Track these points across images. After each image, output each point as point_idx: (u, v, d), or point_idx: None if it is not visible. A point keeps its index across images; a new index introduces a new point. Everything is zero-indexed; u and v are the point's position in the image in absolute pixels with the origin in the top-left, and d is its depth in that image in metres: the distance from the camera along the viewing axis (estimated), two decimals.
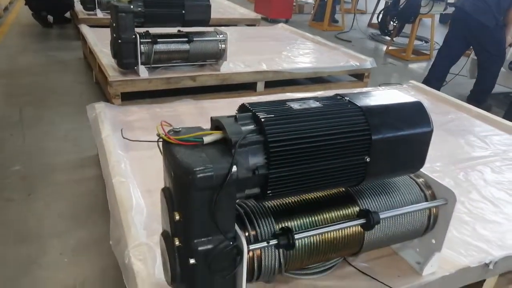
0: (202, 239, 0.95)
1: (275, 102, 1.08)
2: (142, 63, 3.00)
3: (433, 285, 1.37)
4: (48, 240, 1.81)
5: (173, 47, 3.08)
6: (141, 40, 2.93)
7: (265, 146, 0.96)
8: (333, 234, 1.16)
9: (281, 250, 1.09)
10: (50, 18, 5.68)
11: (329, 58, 4.04)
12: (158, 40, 2.99)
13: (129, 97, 3.10)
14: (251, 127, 0.99)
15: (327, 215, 1.18)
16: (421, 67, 5.58)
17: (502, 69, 3.99)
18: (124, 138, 1.41)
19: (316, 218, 1.17)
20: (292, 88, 3.73)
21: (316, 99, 1.12)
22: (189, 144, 0.98)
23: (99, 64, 3.37)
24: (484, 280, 1.52)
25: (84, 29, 4.10)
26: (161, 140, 1.05)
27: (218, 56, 3.30)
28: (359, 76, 4.12)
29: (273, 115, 0.99)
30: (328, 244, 1.16)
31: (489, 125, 2.69)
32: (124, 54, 2.92)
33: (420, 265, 1.38)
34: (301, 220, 1.15)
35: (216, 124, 1.03)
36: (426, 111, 1.14)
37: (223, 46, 3.26)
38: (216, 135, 1.00)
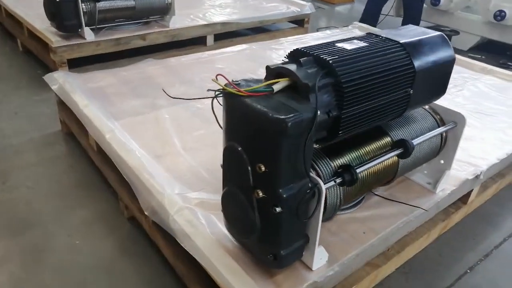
0: (287, 186, 0.97)
1: (324, 45, 1.09)
2: (86, 24, 2.72)
3: (445, 200, 1.55)
4: (49, 225, 1.67)
5: (117, 3, 2.82)
6: None
7: (337, 87, 0.98)
8: (378, 166, 1.25)
9: (340, 187, 1.16)
10: None
11: (269, 6, 4.02)
12: None
13: (75, 64, 2.82)
14: (317, 69, 0.99)
15: (368, 148, 1.26)
16: (346, 8, 5.82)
17: (425, 5, 4.32)
18: (173, 98, 1.33)
19: (360, 152, 1.24)
20: (240, 40, 3.68)
21: (356, 38, 1.15)
22: (259, 94, 0.97)
23: (28, 30, 2.98)
24: (471, 190, 1.76)
25: None
26: (219, 94, 1.02)
27: (165, 11, 3.11)
28: (299, 22, 4.18)
29: (337, 57, 1.00)
30: (374, 175, 1.25)
31: None
32: (65, 16, 2.61)
33: (431, 185, 1.55)
34: (349, 156, 1.21)
35: (277, 71, 1.02)
36: (448, 41, 1.24)
37: (169, 0, 3.06)
38: (283, 82, 0.99)
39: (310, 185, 1.01)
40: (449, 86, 2.41)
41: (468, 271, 1.63)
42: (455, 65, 2.72)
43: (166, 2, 3.05)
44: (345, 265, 1.23)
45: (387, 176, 1.32)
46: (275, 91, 0.98)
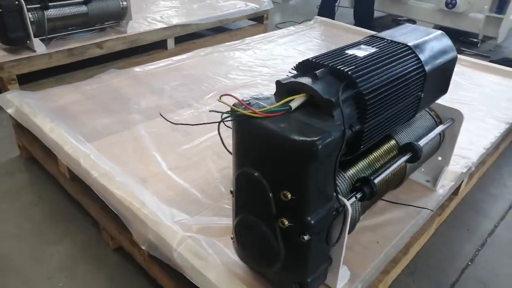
0: (315, 212, 0.89)
1: (333, 54, 1.01)
2: (35, 35, 2.47)
3: (445, 196, 1.54)
4: (25, 269, 1.48)
5: (68, 10, 2.59)
6: (28, 7, 2.38)
7: (358, 100, 0.91)
8: (390, 173, 1.20)
9: (359, 201, 1.09)
10: None
11: (227, 4, 3.89)
12: (50, 4, 2.47)
13: (25, 80, 2.56)
14: (335, 82, 0.91)
15: (376, 154, 1.20)
16: (300, 2, 5.80)
17: None
18: (175, 124, 1.17)
19: (369, 159, 1.18)
20: (202, 41, 3.54)
21: (362, 43, 1.08)
22: (277, 114, 0.87)
23: None
24: (462, 181, 1.77)
25: None
26: (227, 117, 0.92)
27: (121, 15, 2.90)
28: (258, 19, 4.10)
29: (353, 67, 0.93)
30: (386, 183, 1.20)
31: None
32: (10, 27, 2.35)
33: (431, 182, 1.53)
34: (360, 165, 1.15)
35: (290, 86, 0.93)
36: (449, 39, 1.20)
37: (124, 3, 2.86)
38: (300, 99, 0.90)
39: (336, 206, 0.93)
40: None
41: (469, 263, 1.64)
42: None
43: (121, 6, 2.85)
44: (366, 280, 1.18)
45: (396, 181, 1.28)
46: (293, 109, 0.89)
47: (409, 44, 1.08)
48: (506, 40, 4.15)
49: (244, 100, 0.91)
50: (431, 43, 1.14)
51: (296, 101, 0.89)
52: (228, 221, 1.32)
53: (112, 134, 1.75)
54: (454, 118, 1.41)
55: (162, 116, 1.13)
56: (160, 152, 1.64)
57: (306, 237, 0.89)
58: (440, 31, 1.20)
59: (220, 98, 0.93)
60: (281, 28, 3.49)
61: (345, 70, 0.91)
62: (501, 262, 1.65)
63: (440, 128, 1.36)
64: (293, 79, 0.92)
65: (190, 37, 3.49)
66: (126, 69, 2.37)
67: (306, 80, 0.91)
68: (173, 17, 3.36)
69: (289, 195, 0.86)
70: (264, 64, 2.57)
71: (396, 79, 0.98)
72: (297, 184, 0.85)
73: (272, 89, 2.34)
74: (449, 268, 1.61)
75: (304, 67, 0.98)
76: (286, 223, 0.89)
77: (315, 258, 0.96)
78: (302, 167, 0.82)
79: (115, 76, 2.26)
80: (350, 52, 1.01)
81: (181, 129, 1.80)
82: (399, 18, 4.12)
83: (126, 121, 1.85)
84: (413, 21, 4.06)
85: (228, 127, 0.95)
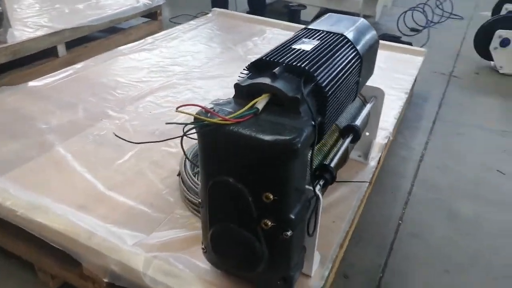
0: (295, 207, 0.91)
1: (283, 49, 1.03)
2: None
3: (375, 167, 1.69)
4: None
5: None
6: None
7: (317, 93, 0.94)
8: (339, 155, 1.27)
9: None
10: None
11: (115, 1, 3.64)
12: None
13: None
14: (294, 79, 0.93)
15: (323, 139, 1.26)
16: None
17: None
18: (137, 143, 1.05)
19: (318, 145, 1.23)
20: (96, 44, 3.27)
21: (303, 36, 1.12)
22: (247, 119, 0.86)
23: None
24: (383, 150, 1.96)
25: None
26: (192, 128, 0.88)
27: None
28: (151, 15, 3.92)
29: (307, 62, 0.95)
30: (337, 165, 1.27)
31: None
32: None
33: (362, 157, 1.67)
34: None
35: (251, 88, 0.92)
36: (370, 24, 1.31)
37: None
38: (264, 100, 0.90)
39: (308, 196, 0.97)
40: None
41: (400, 222, 1.84)
42: None
43: None
44: (333, 259, 1.25)
45: (342, 162, 1.36)
46: (260, 109, 0.88)
47: (344, 33, 1.14)
48: (382, 18, 4.62)
49: (211, 108, 0.88)
50: (359, 30, 1.23)
51: (261, 103, 0.89)
52: (186, 232, 1.28)
53: (27, 162, 1.54)
54: (377, 96, 1.55)
55: (118, 136, 1.03)
56: (91, 172, 1.50)
57: (289, 233, 0.91)
58: (362, 19, 1.30)
59: (177, 109, 0.88)
60: (179, 23, 3.38)
61: (302, 65, 0.93)
62: (425, 215, 1.88)
63: (369, 106, 1.48)
64: (252, 81, 0.91)
65: (80, 41, 3.20)
66: (20, 85, 2.09)
67: (266, 80, 0.91)
68: (59, 20, 3.03)
69: (271, 196, 0.86)
70: (174, 62, 2.49)
71: (342, 68, 1.04)
72: (278, 184, 0.85)
73: (191, 87, 2.29)
74: (385, 230, 1.78)
75: (257, 67, 0.97)
76: (269, 223, 0.90)
77: (296, 250, 0.98)
78: (282, 166, 0.83)
79: (10, 94, 1.98)
80: (296, 47, 1.03)
81: (107, 142, 1.67)
82: (290, 4, 4.31)
83: (39, 144, 1.65)
84: (303, 6, 4.29)
85: (192, 138, 0.91)
